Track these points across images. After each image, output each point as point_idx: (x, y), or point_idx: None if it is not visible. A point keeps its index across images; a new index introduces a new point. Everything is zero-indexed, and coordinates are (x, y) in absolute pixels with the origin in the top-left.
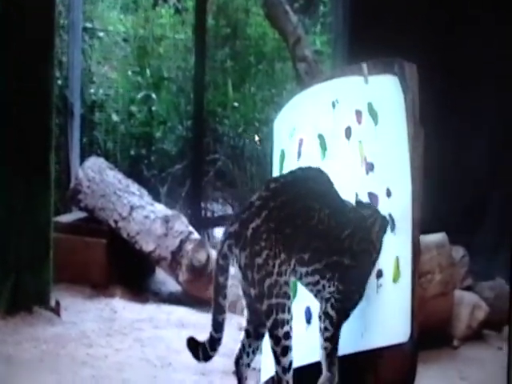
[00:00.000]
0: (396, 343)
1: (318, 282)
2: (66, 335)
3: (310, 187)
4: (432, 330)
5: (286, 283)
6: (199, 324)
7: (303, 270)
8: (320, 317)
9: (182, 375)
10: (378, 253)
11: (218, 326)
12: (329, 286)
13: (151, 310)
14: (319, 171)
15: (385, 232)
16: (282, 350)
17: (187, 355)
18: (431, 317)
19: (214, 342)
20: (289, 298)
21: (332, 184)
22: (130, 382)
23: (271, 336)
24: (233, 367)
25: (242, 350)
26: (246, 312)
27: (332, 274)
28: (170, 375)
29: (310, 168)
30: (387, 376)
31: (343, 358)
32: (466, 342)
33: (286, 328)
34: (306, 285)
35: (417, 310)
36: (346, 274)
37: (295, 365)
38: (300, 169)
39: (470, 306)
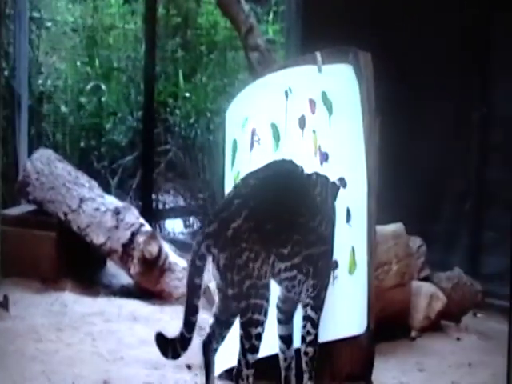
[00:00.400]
0: (352, 335)
1: (294, 277)
2: (15, 330)
3: (288, 181)
4: (389, 322)
5: (265, 286)
6: (151, 317)
7: (282, 265)
8: (279, 320)
9: (134, 369)
10: (335, 222)
11: (190, 327)
12: (305, 281)
13: (102, 303)
14: (293, 164)
15: (336, 197)
16: (250, 347)
17: (139, 349)
18: (388, 308)
19: (185, 341)
20: (267, 300)
21: (304, 175)
22: (81, 377)
23: (244, 331)
24: (185, 361)
25: (212, 335)
26: (217, 301)
27: (308, 268)
28: (122, 369)
29: (284, 161)
30: (344, 368)
31: (299, 351)
32: (424, 333)
33: (259, 329)
34: (282, 280)
35: (373, 301)
36: (318, 264)
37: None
38: (275, 162)
39: (427, 296)
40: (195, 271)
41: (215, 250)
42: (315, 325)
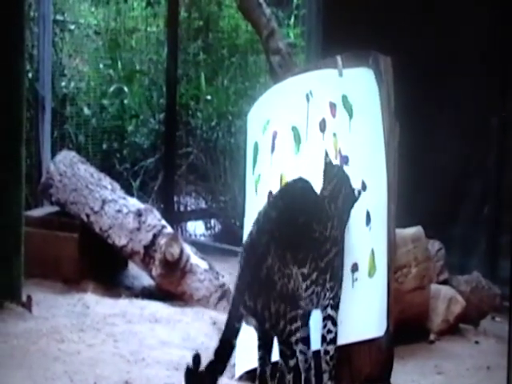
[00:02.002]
0: (372, 337)
1: (312, 292)
2: (38, 330)
3: (302, 202)
4: (408, 325)
5: (298, 296)
6: (172, 318)
7: (303, 285)
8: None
9: (156, 370)
10: (346, 222)
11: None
12: (321, 290)
13: (124, 304)
14: (304, 181)
15: (352, 206)
16: (291, 353)
17: (160, 350)
18: (407, 311)
19: None
20: (300, 307)
21: (314, 189)
22: (102, 378)
23: (285, 343)
24: (205, 362)
25: (264, 364)
26: (258, 336)
27: (324, 277)
28: (143, 370)
29: (295, 181)
30: (363, 370)
31: (319, 353)
32: (443, 336)
33: (298, 335)
34: (303, 299)
35: (392, 304)
36: (334, 266)
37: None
38: (287, 186)
39: (446, 299)
40: (232, 333)
41: (251, 301)
42: (335, 322)
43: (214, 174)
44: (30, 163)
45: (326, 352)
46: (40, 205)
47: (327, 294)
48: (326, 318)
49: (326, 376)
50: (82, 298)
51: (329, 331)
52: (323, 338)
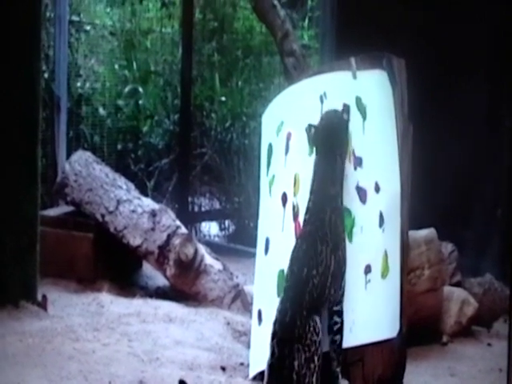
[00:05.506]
0: (385, 339)
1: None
2: (53, 329)
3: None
4: (421, 326)
5: None
6: (186, 318)
7: None
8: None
9: (170, 370)
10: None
11: None
12: (327, 294)
13: (138, 304)
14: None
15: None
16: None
17: (174, 350)
18: (420, 313)
19: None
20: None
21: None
22: (117, 377)
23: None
24: (219, 362)
25: None
26: None
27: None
28: (158, 370)
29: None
30: (376, 371)
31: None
32: (456, 338)
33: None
34: None
35: (405, 305)
36: (341, 270)
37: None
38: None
39: (459, 301)
40: None
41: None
42: (340, 314)
43: (228, 175)
44: (46, 163)
45: (334, 341)
46: (55, 204)
47: (332, 297)
48: (332, 312)
49: (334, 363)
50: (96, 297)
51: (335, 323)
52: (330, 329)
